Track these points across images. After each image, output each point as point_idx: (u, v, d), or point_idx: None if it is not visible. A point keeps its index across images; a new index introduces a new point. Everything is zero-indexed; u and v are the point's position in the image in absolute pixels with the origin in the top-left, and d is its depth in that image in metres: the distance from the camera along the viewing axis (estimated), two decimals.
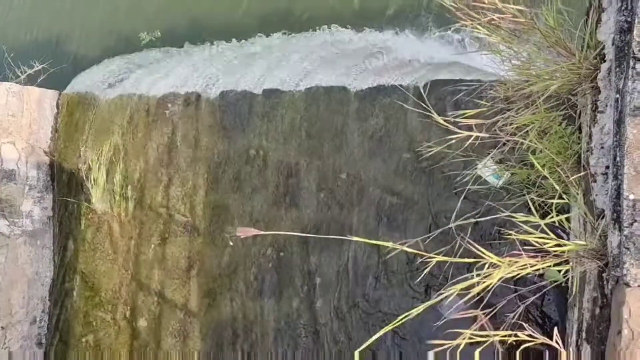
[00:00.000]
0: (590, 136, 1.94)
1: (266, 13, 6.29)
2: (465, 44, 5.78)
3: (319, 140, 5.09)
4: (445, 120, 2.24)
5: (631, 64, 1.58)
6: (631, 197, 1.57)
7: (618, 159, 1.65)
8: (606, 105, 1.93)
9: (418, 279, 4.57)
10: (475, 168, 4.15)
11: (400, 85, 4.97)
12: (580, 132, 2.50)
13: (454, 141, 2.45)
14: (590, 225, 1.83)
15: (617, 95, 1.67)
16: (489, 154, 3.96)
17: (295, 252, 4.99)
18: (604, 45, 1.98)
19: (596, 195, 1.95)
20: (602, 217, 1.89)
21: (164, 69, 6.18)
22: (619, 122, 1.66)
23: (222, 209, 5.31)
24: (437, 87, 4.83)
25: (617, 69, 1.70)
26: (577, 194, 1.94)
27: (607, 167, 1.90)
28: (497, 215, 2.15)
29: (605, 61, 1.98)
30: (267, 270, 5.03)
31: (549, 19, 2.04)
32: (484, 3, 1.92)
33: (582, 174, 1.97)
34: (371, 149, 4.99)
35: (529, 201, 2.02)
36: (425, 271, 2.39)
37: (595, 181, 1.95)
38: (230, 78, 5.68)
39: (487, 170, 4.29)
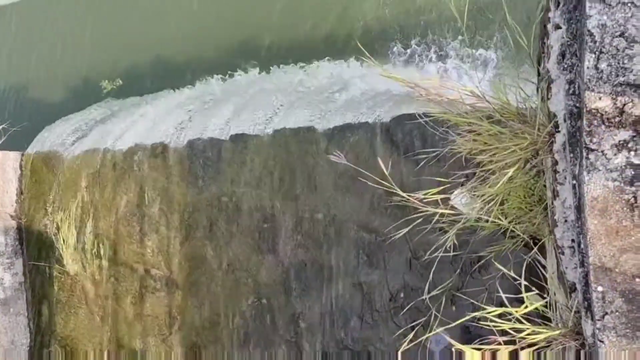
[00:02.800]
0: (553, 209, 1.94)
1: (229, 53, 6.26)
2: (439, 72, 5.87)
3: (291, 182, 5.06)
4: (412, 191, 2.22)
5: (584, 154, 1.58)
6: (599, 289, 1.56)
7: (582, 246, 1.64)
8: (565, 178, 1.93)
9: (402, 314, 4.56)
10: (449, 200, 4.17)
11: (367, 122, 4.99)
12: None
13: (420, 219, 2.46)
14: (565, 305, 1.83)
15: (575, 182, 1.66)
16: (461, 184, 3.98)
17: (278, 298, 4.92)
18: (557, 116, 1.99)
19: (566, 267, 1.94)
20: (574, 291, 1.88)
21: (128, 119, 6.08)
22: (579, 210, 1.65)
23: (199, 259, 5.23)
24: (403, 121, 4.84)
25: (571, 155, 1.70)
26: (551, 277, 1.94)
27: (573, 241, 1.90)
28: (475, 314, 2.12)
29: (559, 131, 1.98)
30: (251, 318, 4.95)
31: (500, 95, 2.04)
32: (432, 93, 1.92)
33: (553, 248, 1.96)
34: (344, 187, 4.98)
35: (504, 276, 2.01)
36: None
37: (563, 253, 1.95)
38: (197, 125, 5.62)
39: (461, 201, 4.31)
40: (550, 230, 2.16)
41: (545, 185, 2.50)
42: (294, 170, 5.05)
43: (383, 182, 2.43)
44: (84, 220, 5.63)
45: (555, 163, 2.01)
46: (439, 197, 2.28)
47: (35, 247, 5.80)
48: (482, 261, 3.01)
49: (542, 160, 2.04)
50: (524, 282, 1.93)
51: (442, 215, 3.96)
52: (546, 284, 2.72)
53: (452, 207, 4.44)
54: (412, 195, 2.23)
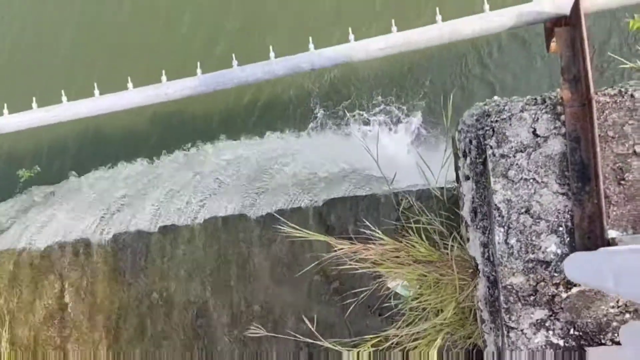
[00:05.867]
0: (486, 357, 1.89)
1: (159, 134, 6.09)
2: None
3: (225, 273, 4.87)
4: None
5: (505, 331, 1.54)
6: None
7: None
8: (490, 329, 1.89)
9: None
10: (385, 282, 4.12)
11: (299, 207, 4.94)
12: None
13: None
14: None
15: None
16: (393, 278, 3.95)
17: None
18: (476, 260, 1.96)
19: None
20: None
21: (46, 212, 5.70)
22: None
23: None
24: (335, 205, 4.82)
25: (493, 325, 1.67)
26: None
27: None
28: None
29: (479, 276, 1.95)
30: None
31: (420, 247, 2.02)
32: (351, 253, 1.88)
33: None
34: (280, 276, 4.85)
35: None
36: None
37: None
38: (121, 217, 5.35)
39: (397, 284, 4.28)
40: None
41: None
42: (228, 261, 4.88)
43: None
44: None
45: (480, 309, 1.97)
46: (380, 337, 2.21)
47: None
48: None
49: (468, 296, 2.01)
50: None
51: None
52: None
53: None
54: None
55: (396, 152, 6.11)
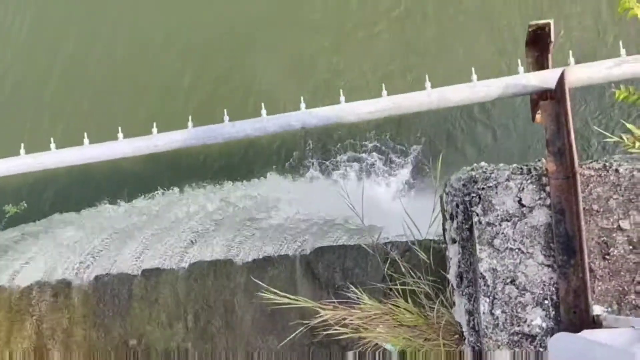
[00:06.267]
0: None
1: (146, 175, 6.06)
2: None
3: (207, 320, 4.76)
4: None
5: None
6: None
7: None
8: None
9: None
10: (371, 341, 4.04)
11: (287, 254, 4.89)
12: None
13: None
14: None
15: None
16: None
17: None
18: (462, 326, 1.93)
19: None
20: None
21: (29, 250, 5.60)
22: None
23: None
24: (323, 254, 4.79)
25: None
26: None
27: None
28: None
29: (464, 344, 1.92)
30: None
31: (405, 312, 1.99)
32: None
33: None
34: (265, 325, 4.75)
35: None
36: None
37: None
38: (104, 258, 5.25)
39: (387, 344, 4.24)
40: None
41: None
42: (211, 307, 4.79)
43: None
44: None
45: None
46: None
47: None
48: None
49: None
50: None
51: None
52: None
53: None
54: None
55: (388, 198, 6.10)
